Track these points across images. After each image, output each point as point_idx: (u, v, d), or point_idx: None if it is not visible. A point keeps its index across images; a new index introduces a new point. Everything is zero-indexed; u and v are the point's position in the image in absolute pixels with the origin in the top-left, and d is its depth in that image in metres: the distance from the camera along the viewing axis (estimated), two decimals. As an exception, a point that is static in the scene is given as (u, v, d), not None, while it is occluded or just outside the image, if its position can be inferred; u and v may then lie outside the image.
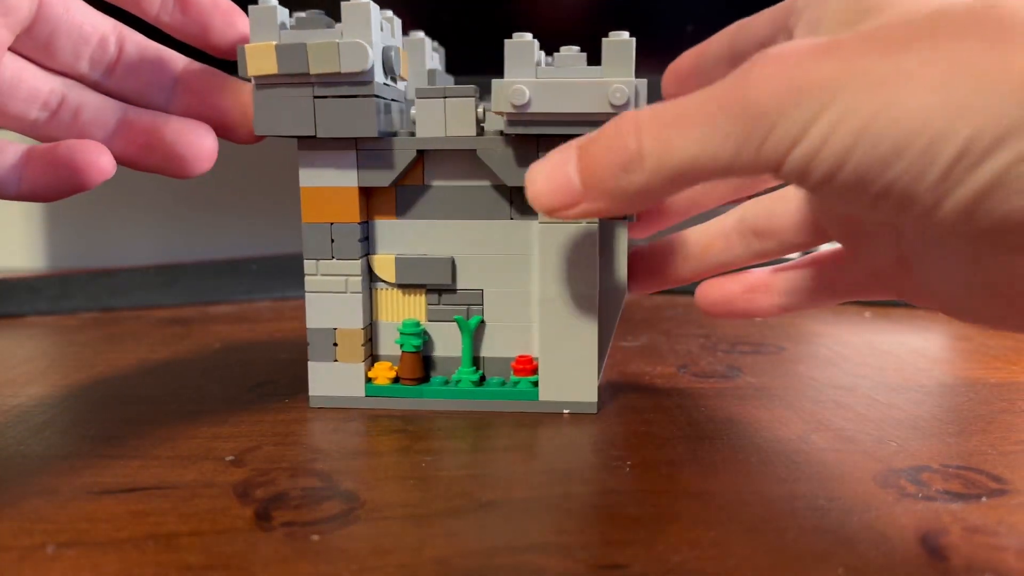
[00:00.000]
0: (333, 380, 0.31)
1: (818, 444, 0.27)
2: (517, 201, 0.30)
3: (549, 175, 0.23)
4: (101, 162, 0.27)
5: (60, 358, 0.39)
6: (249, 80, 0.28)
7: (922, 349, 0.41)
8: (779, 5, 0.24)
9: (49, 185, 0.27)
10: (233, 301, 0.56)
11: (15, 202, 0.73)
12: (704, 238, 0.29)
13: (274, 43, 0.27)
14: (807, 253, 0.29)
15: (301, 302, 0.29)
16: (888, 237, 0.24)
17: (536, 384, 0.30)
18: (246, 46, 0.27)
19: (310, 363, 0.31)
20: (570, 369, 0.30)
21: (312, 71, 0.27)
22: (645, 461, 0.25)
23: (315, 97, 0.28)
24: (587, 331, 0.30)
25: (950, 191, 0.17)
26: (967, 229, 0.17)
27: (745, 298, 0.29)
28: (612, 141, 0.21)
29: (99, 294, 0.53)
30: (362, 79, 0.28)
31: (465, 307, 0.31)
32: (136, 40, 0.28)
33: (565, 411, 0.30)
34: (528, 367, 0.30)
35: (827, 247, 0.28)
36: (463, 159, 0.30)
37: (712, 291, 0.30)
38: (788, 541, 0.20)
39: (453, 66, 0.45)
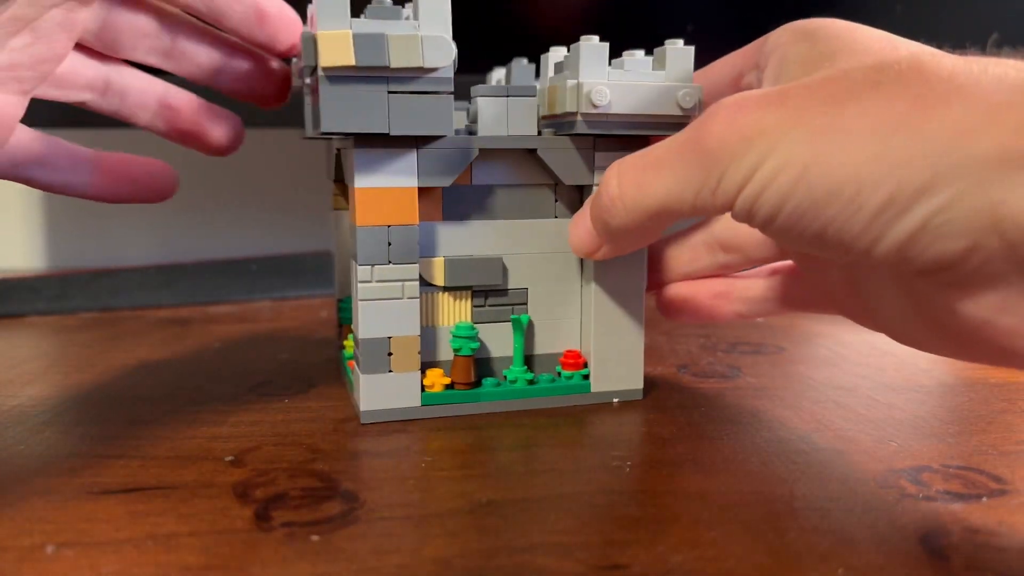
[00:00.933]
0: (388, 392, 0.29)
1: (818, 444, 0.27)
2: (562, 199, 0.31)
3: (577, 227, 0.28)
4: (168, 184, 0.32)
5: (60, 358, 0.39)
6: (309, 67, 0.27)
7: (922, 349, 0.41)
8: (749, 46, 0.27)
9: (119, 194, 0.32)
10: (233, 301, 0.56)
11: (15, 202, 0.73)
12: (671, 250, 0.31)
13: (351, 32, 0.25)
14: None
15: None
16: (838, 264, 0.25)
17: (587, 377, 0.31)
18: (319, 33, 0.25)
19: (363, 376, 0.29)
20: (619, 359, 0.31)
21: (392, 64, 0.26)
22: (645, 461, 0.25)
23: (390, 92, 0.26)
24: (635, 322, 0.31)
25: (881, 236, 0.18)
26: (903, 269, 0.19)
27: (709, 304, 0.30)
28: (602, 188, 0.25)
29: (99, 294, 0.53)
30: (442, 75, 0.27)
31: (511, 307, 0.31)
32: (191, 24, 0.31)
33: (615, 400, 0.31)
34: (577, 361, 0.31)
35: (784, 262, 0.30)
36: (512, 158, 0.30)
37: (676, 294, 0.31)
38: (788, 541, 0.20)
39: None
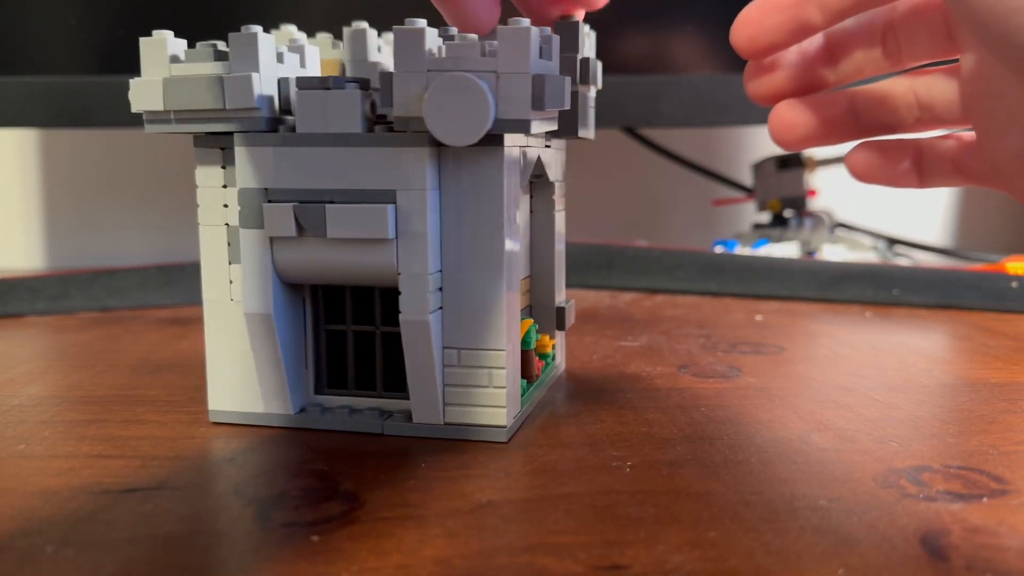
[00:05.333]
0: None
1: (818, 444, 0.27)
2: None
3: None
4: None
5: (60, 358, 0.39)
6: None
7: (922, 349, 0.41)
8: None
9: None
10: (233, 301, 0.56)
11: (15, 202, 0.73)
12: (876, 97, 0.29)
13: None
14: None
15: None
16: (1015, 132, 0.25)
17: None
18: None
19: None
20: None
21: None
22: (645, 461, 0.25)
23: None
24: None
25: None
26: None
27: (905, 171, 0.29)
28: None
29: (99, 294, 0.53)
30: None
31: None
32: None
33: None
34: None
35: (965, 132, 0.28)
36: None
37: (868, 158, 0.29)
38: (788, 541, 0.20)
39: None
